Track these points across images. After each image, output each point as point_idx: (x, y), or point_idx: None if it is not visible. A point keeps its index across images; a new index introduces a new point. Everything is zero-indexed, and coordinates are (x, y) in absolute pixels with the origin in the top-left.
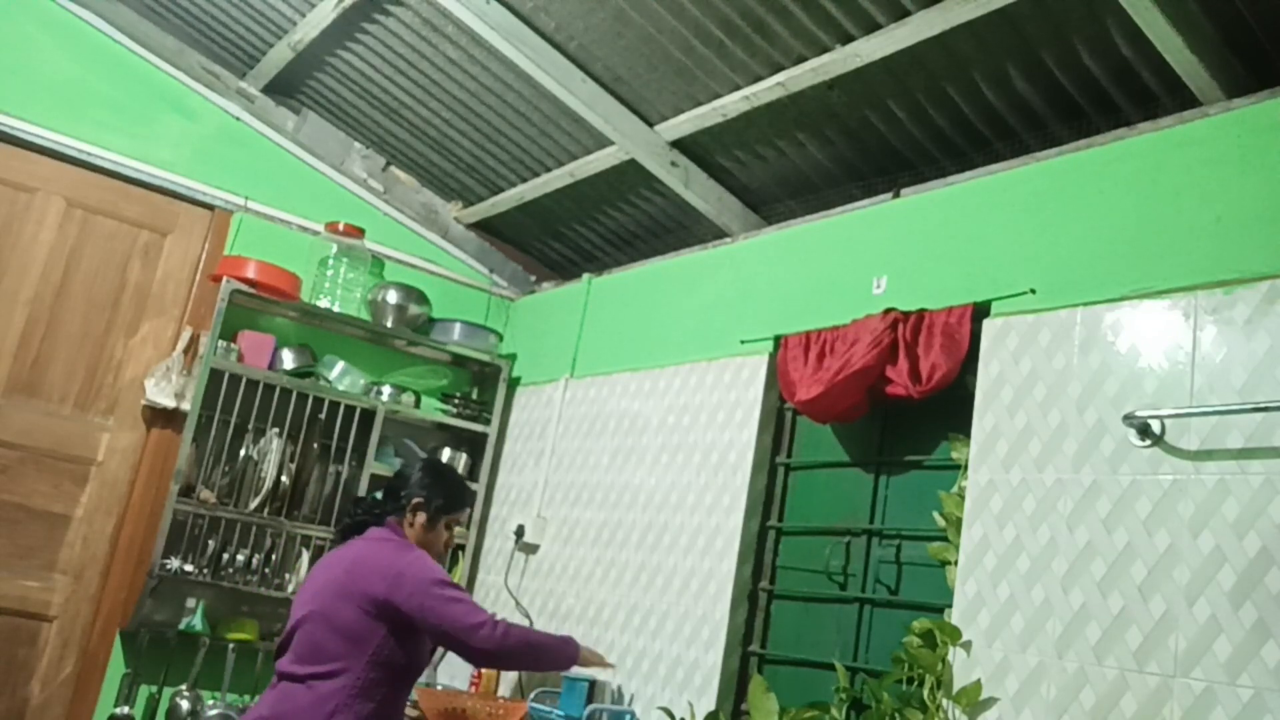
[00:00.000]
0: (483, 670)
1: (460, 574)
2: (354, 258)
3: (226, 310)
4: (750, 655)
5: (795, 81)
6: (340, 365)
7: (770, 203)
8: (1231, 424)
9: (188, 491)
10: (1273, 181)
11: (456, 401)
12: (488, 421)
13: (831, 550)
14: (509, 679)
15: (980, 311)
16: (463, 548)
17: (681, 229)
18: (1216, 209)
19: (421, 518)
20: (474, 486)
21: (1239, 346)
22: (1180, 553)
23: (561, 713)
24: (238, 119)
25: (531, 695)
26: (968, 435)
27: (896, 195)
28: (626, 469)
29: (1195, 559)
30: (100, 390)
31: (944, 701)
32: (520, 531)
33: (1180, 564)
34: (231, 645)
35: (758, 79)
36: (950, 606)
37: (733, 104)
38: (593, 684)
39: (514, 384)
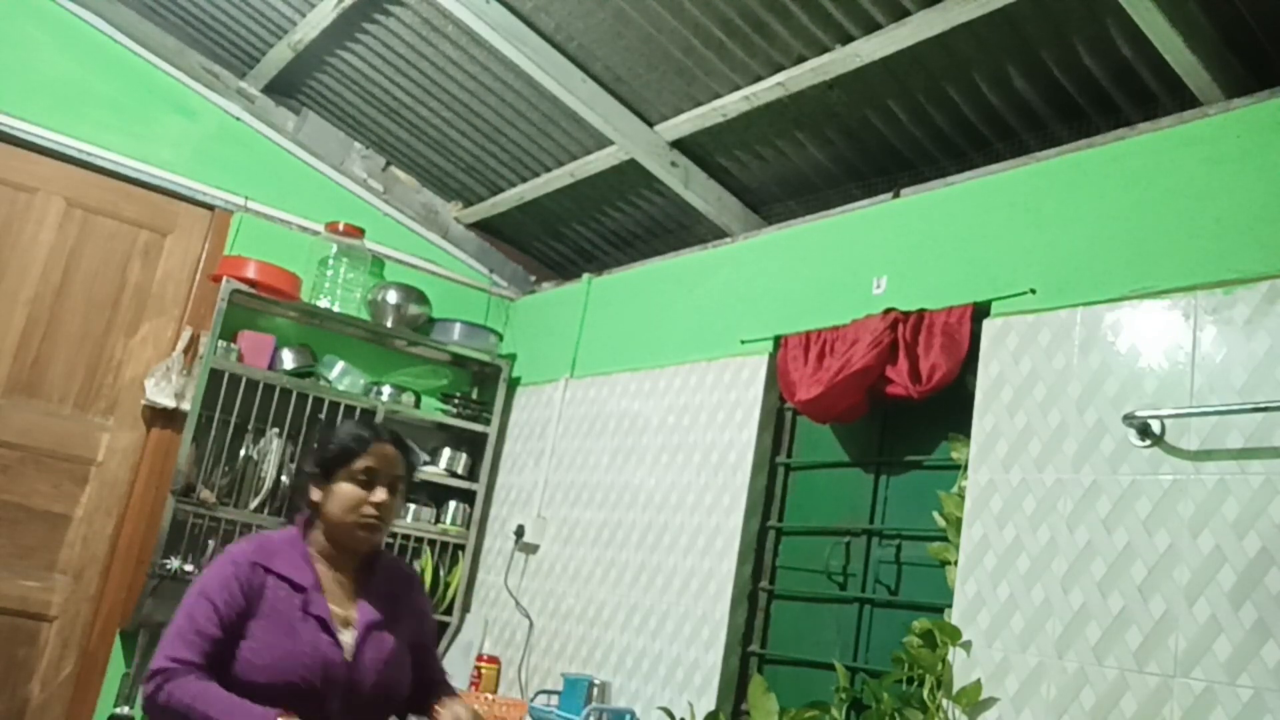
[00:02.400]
0: (482, 670)
1: (460, 574)
2: (354, 258)
3: (226, 310)
4: (750, 655)
5: (795, 81)
6: (340, 365)
7: (770, 203)
8: (1231, 424)
9: (188, 491)
10: (1273, 181)
11: (456, 401)
12: (488, 421)
13: (831, 550)
14: (509, 678)
15: (980, 311)
16: (463, 548)
17: (681, 229)
18: (1216, 209)
19: (323, 490)
20: (474, 487)
21: (1239, 346)
22: (1180, 553)
23: (562, 713)
24: (238, 119)
25: (532, 695)
26: (968, 435)
27: (896, 195)
28: (626, 469)
29: (1195, 559)
30: (100, 390)
31: (944, 701)
32: (520, 531)
33: (1180, 564)
34: None
35: (758, 79)
36: (950, 606)
37: (733, 104)
38: (592, 684)
39: (514, 384)
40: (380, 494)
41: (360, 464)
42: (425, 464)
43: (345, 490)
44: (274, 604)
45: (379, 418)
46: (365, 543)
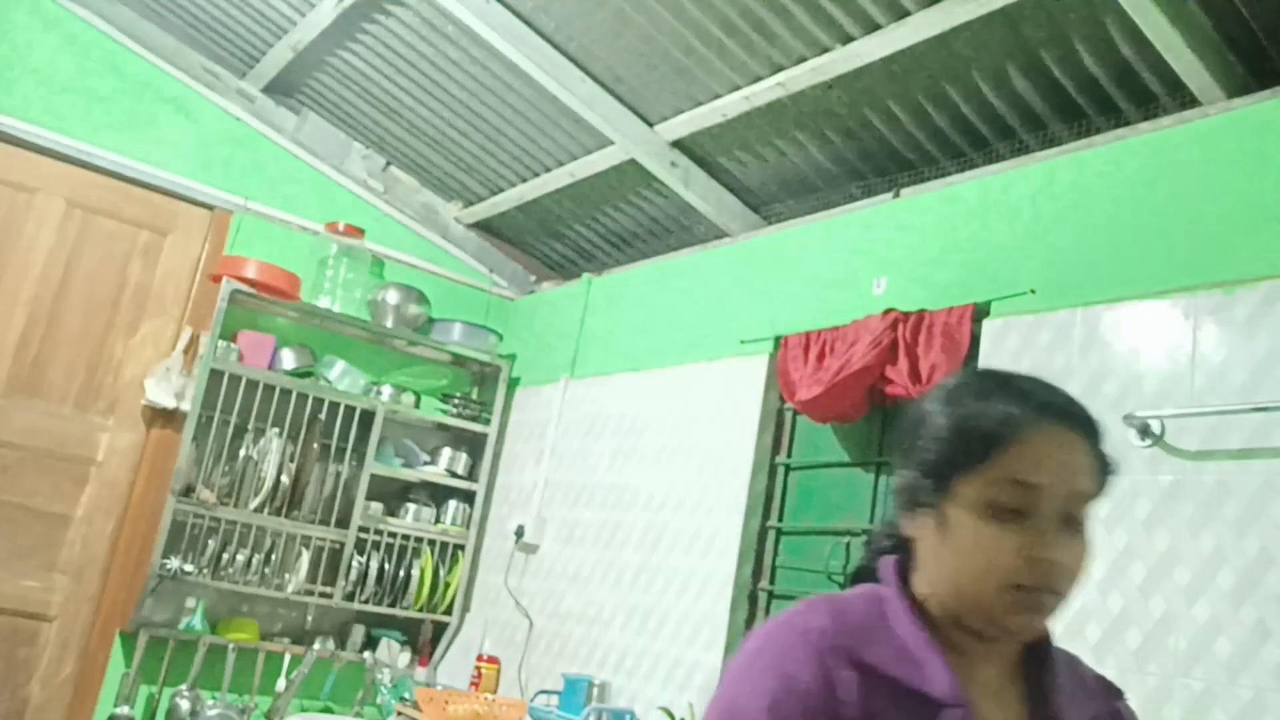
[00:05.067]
0: (482, 670)
1: (460, 574)
2: (354, 258)
3: (226, 310)
4: None
5: (795, 81)
6: (340, 365)
7: (770, 203)
8: (1231, 424)
9: (188, 491)
10: (1273, 181)
11: (456, 401)
12: (488, 421)
13: (831, 550)
14: (509, 678)
15: (980, 311)
16: (463, 548)
17: (681, 229)
18: (1216, 209)
19: (924, 521)
20: (474, 487)
21: (1239, 346)
22: (1180, 553)
23: (561, 713)
24: (238, 119)
25: (532, 695)
26: None
27: (896, 195)
28: (626, 469)
29: (1195, 559)
30: (100, 390)
31: None
32: (520, 531)
33: (1180, 564)
34: (231, 645)
35: (758, 79)
36: None
37: (733, 104)
38: (592, 684)
39: (514, 384)
40: (1053, 536)
41: (1009, 468)
42: (425, 464)
43: (974, 530)
44: None
45: (379, 418)
46: (1014, 629)
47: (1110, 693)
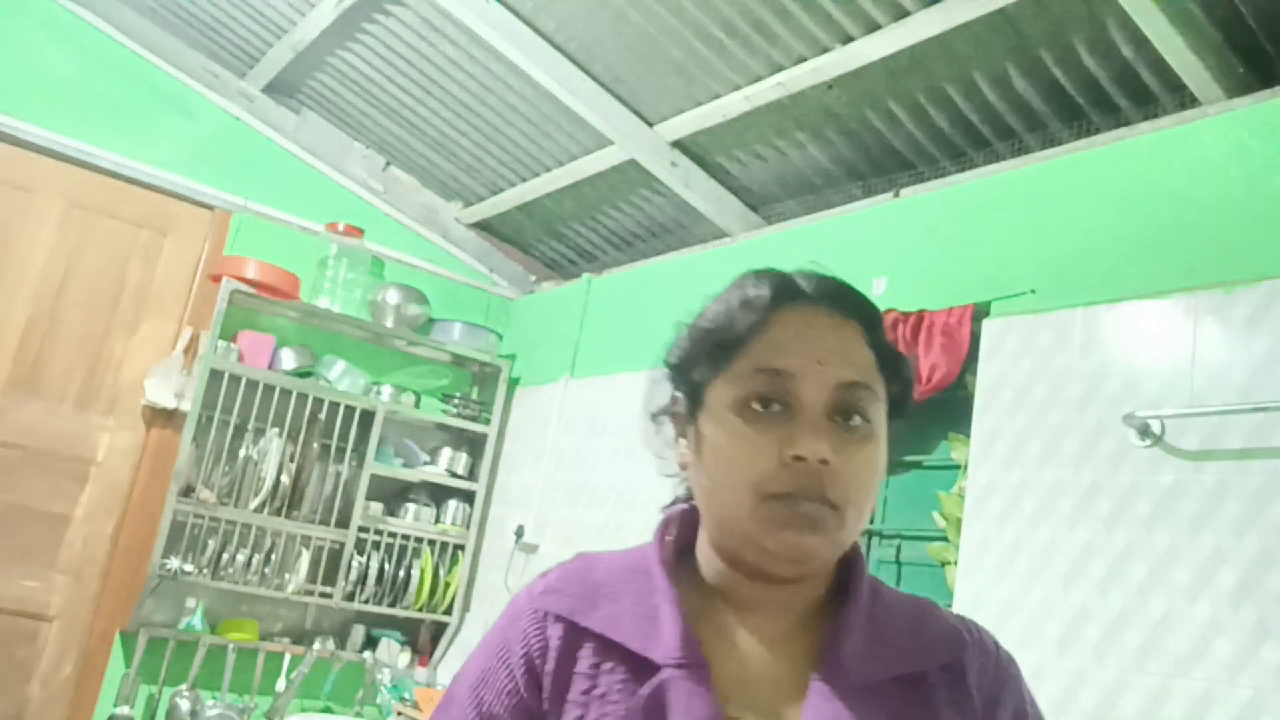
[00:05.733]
0: None
1: (460, 574)
2: (354, 258)
3: (226, 310)
4: None
5: (795, 81)
6: (340, 365)
7: (770, 203)
8: (1231, 424)
9: (188, 491)
10: (1273, 181)
11: (456, 401)
12: (488, 421)
13: None
14: None
15: (980, 311)
16: (463, 548)
17: (681, 229)
18: (1217, 209)
19: (686, 445)
20: (474, 487)
21: (1239, 346)
22: (1180, 553)
23: None
24: (238, 119)
25: None
26: (968, 435)
27: (896, 195)
28: (626, 469)
29: (1195, 559)
30: (100, 390)
31: None
32: (520, 531)
33: (1180, 564)
34: (231, 645)
35: (758, 79)
36: (950, 606)
37: (733, 104)
38: None
39: (514, 384)
40: (813, 433)
41: (754, 356)
42: (425, 464)
43: (723, 435)
44: (596, 702)
45: (379, 418)
46: (781, 552)
47: (955, 644)
